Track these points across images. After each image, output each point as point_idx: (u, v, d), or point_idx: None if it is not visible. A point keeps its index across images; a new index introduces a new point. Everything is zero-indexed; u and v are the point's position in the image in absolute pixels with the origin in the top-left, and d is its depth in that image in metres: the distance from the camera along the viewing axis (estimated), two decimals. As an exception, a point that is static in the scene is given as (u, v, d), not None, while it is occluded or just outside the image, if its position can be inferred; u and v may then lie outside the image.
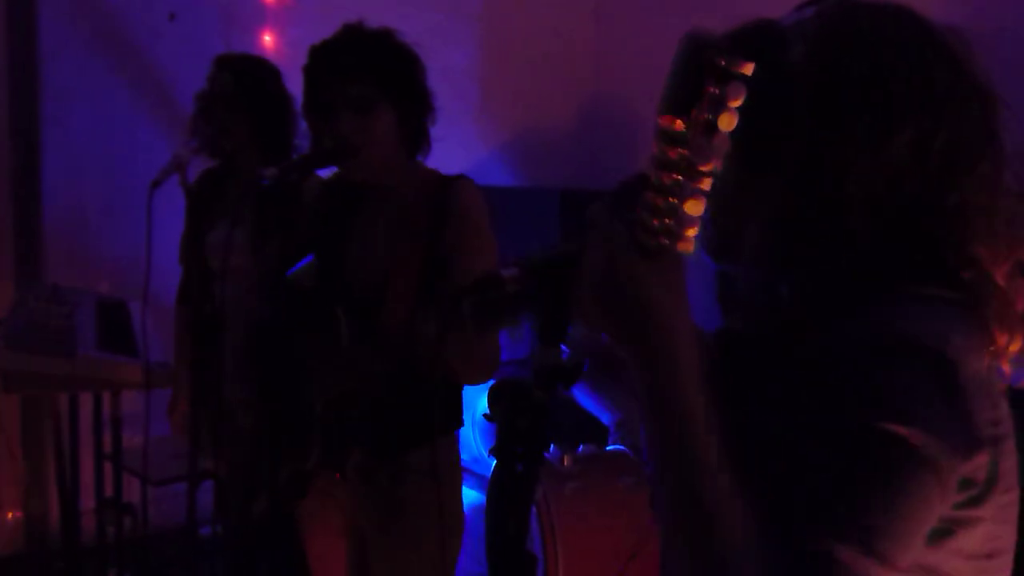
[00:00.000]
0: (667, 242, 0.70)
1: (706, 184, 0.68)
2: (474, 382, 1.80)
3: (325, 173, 2.01)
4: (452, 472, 1.94)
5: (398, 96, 1.80)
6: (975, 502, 0.77)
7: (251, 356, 1.84)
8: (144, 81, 3.51)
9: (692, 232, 0.70)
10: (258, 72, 2.48)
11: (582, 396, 2.65)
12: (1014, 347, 0.81)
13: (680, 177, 0.67)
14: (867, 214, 0.78)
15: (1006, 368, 0.82)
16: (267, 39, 3.83)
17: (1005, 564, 0.83)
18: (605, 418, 3.56)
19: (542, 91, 4.46)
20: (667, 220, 0.69)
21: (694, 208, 0.68)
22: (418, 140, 1.88)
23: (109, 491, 2.74)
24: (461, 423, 1.96)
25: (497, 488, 0.81)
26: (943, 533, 0.76)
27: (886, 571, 0.70)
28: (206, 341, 2.28)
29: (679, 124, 0.66)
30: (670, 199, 0.68)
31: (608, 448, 2.91)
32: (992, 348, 0.80)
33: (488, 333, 1.62)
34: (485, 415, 0.83)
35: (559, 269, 0.82)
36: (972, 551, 0.79)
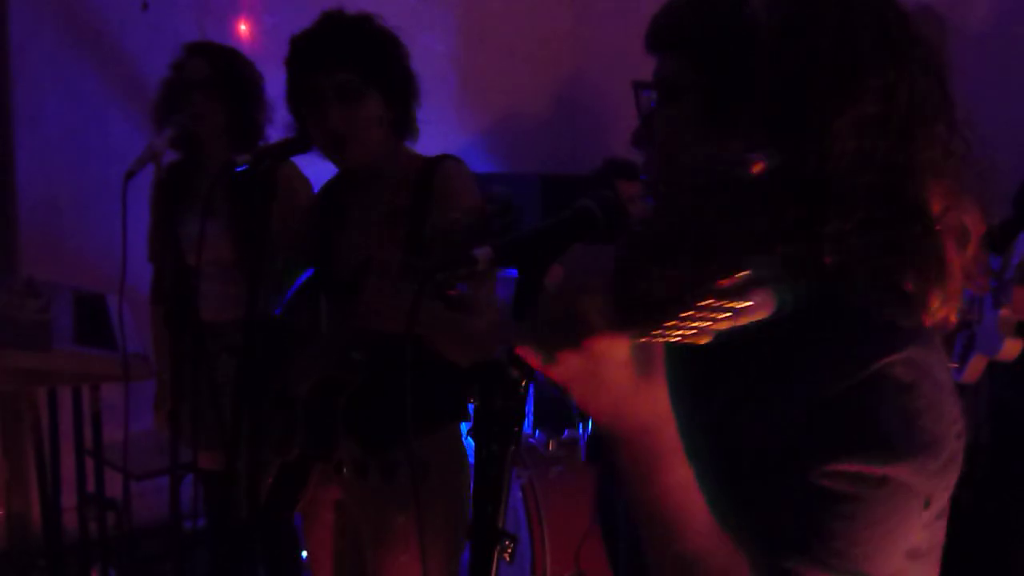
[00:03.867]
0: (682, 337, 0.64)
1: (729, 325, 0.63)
2: (462, 360, 1.75)
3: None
4: (453, 468, 1.86)
5: (383, 81, 1.79)
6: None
7: (240, 353, 1.81)
8: (117, 71, 3.47)
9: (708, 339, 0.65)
10: (232, 60, 2.45)
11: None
12: (942, 309, 0.81)
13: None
14: (833, 170, 0.77)
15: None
16: (242, 27, 3.78)
17: (944, 521, 0.85)
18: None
19: (520, 76, 4.44)
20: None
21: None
22: (406, 124, 1.86)
23: (91, 486, 2.72)
24: (464, 416, 1.89)
25: (475, 470, 0.80)
26: None
27: None
28: (185, 336, 2.26)
29: (725, 283, 0.60)
30: (696, 324, 0.62)
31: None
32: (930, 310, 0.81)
33: (461, 310, 1.59)
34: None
35: (532, 249, 0.81)
36: (928, 520, 0.81)
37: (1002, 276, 2.28)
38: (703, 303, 0.60)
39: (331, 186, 2.00)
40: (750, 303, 0.62)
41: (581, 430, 2.80)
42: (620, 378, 0.68)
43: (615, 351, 0.66)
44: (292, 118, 1.86)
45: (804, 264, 0.77)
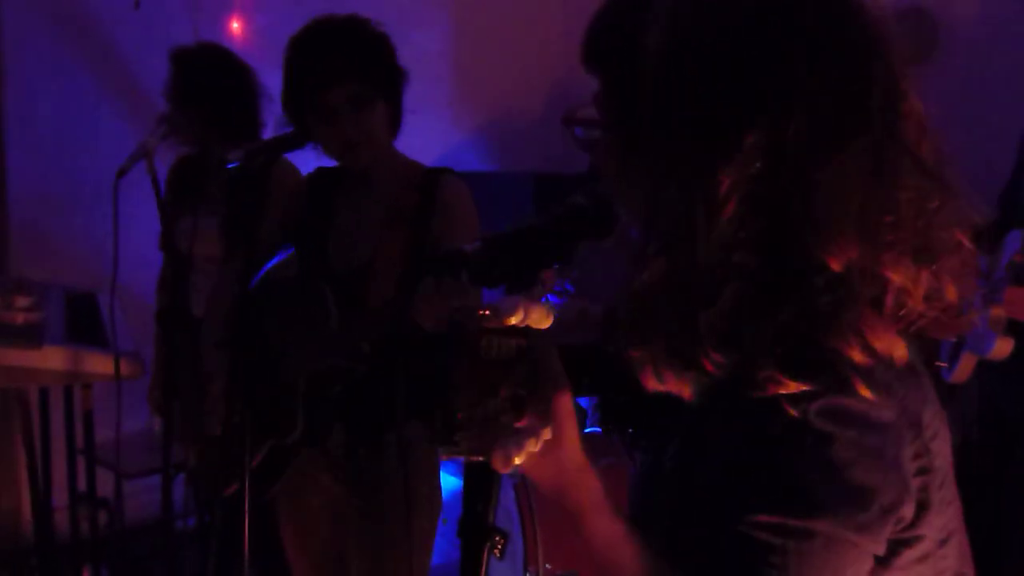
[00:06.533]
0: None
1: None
2: None
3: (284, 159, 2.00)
4: (427, 453, 1.93)
5: (387, 84, 1.85)
6: (913, 527, 0.76)
7: (228, 345, 1.83)
8: (109, 70, 3.46)
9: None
10: (194, 66, 2.44)
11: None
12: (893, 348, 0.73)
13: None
14: (724, 224, 0.69)
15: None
16: (235, 26, 3.77)
17: (959, 542, 0.82)
18: (583, 401, 3.59)
19: (514, 75, 4.44)
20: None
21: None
22: (398, 119, 1.92)
23: (82, 486, 2.71)
24: None
25: (466, 466, 0.80)
26: (890, 555, 0.76)
27: None
28: (175, 330, 2.26)
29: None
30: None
31: (586, 431, 2.92)
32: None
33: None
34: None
35: (524, 245, 0.81)
36: (925, 552, 0.78)
37: (991, 276, 2.29)
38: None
39: (319, 178, 2.02)
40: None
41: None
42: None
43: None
44: (295, 124, 1.87)
45: (692, 350, 0.72)
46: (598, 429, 3.09)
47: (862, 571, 0.74)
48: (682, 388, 0.74)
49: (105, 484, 2.74)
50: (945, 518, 0.79)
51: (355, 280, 1.82)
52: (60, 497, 2.80)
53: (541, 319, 0.69)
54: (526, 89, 4.53)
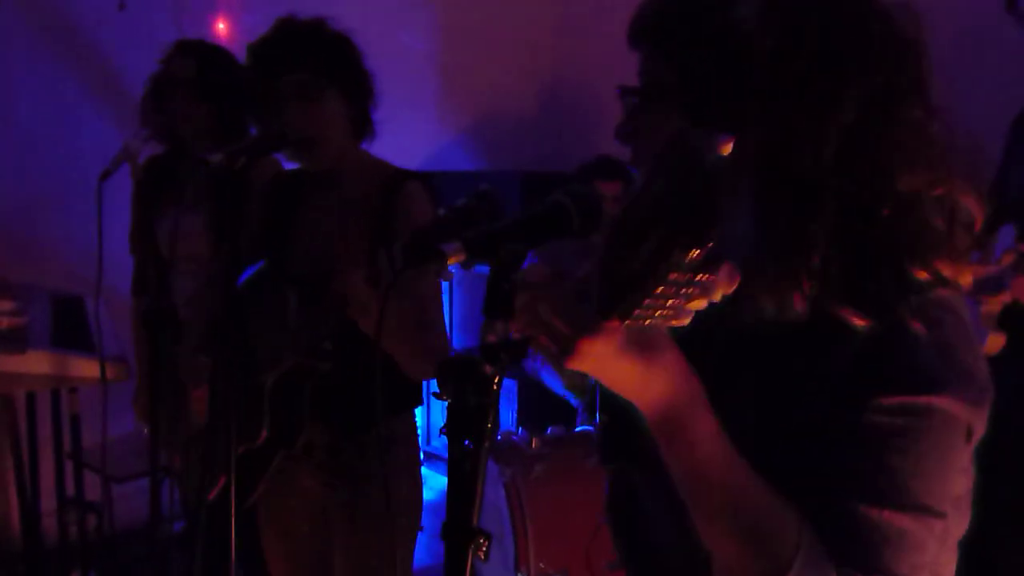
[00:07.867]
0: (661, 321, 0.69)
1: (702, 304, 0.67)
2: (419, 375, 1.83)
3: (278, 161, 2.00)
4: (408, 450, 1.95)
5: (341, 79, 1.82)
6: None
7: (207, 349, 1.82)
8: (93, 70, 3.44)
9: (687, 319, 0.69)
10: (220, 60, 2.43)
11: (550, 378, 2.64)
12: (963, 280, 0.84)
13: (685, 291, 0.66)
14: (823, 173, 0.78)
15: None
16: (220, 26, 3.76)
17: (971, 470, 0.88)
18: (573, 400, 3.58)
19: (502, 75, 4.43)
20: (663, 312, 0.68)
21: (690, 312, 0.68)
22: (364, 123, 1.90)
23: (71, 490, 2.69)
24: (418, 402, 1.97)
25: (448, 467, 0.80)
26: None
27: (941, 522, 0.79)
28: (160, 332, 2.24)
29: (694, 254, 0.63)
30: (669, 302, 0.67)
31: (576, 430, 2.91)
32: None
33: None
34: (435, 394, 0.82)
35: (504, 243, 0.80)
36: (969, 459, 0.85)
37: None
38: (671, 276, 0.62)
39: (283, 179, 2.02)
40: (715, 276, 0.64)
41: (593, 431, 2.79)
42: (624, 367, 0.73)
43: (607, 346, 0.70)
44: (256, 122, 1.88)
45: (798, 267, 0.79)
46: (590, 428, 3.11)
47: (966, 452, 0.81)
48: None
49: (93, 488, 2.72)
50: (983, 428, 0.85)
51: (319, 280, 1.82)
52: (48, 502, 2.78)
53: None
54: (514, 88, 4.53)
